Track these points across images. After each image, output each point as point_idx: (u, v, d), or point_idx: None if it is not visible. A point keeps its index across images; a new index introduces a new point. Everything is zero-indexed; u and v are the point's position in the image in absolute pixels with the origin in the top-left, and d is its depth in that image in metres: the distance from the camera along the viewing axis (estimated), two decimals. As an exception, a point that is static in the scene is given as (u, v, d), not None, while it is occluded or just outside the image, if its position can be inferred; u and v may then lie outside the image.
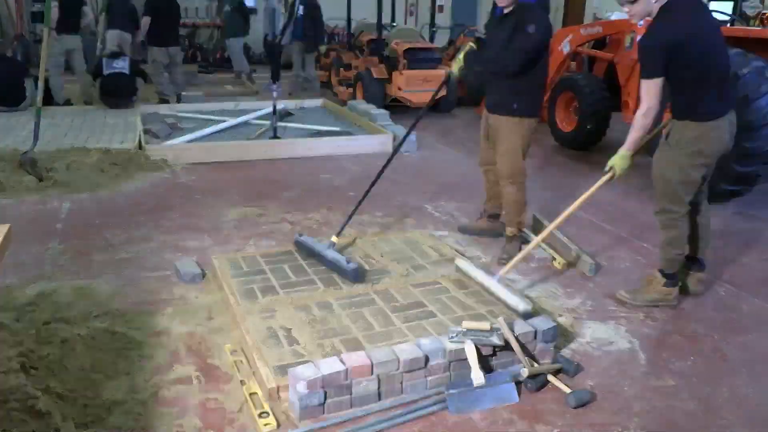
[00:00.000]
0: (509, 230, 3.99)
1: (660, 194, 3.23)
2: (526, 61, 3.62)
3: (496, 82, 3.85)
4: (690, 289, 3.47)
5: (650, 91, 2.96)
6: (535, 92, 3.82)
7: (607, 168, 3.22)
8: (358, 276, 3.41)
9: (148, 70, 9.06)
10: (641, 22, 3.15)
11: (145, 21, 8.39)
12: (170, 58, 8.86)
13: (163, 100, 8.87)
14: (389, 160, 3.94)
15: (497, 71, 3.79)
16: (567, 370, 2.74)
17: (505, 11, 3.73)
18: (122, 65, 8.15)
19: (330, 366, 2.41)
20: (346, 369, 2.41)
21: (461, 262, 3.52)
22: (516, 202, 3.93)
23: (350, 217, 3.91)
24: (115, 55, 8.21)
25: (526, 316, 2.92)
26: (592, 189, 3.32)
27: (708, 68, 2.96)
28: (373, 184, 3.95)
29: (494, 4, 3.81)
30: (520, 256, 3.47)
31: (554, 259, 3.93)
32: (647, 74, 2.96)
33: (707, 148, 3.05)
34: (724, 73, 3.07)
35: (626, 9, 3.01)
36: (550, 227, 3.44)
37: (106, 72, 8.04)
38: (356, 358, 2.46)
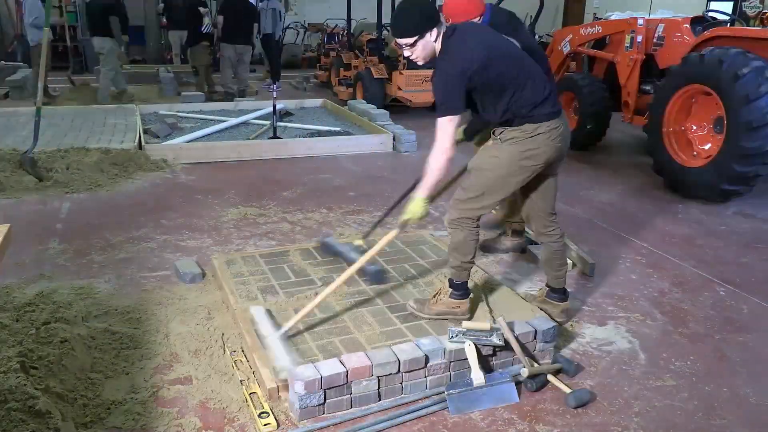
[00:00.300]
0: None
1: (466, 187, 2.90)
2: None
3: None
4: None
5: (447, 130, 2.65)
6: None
7: (403, 219, 2.83)
8: (379, 278, 3.40)
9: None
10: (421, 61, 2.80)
11: (219, 20, 9.06)
12: (237, 55, 9.42)
13: (229, 95, 9.47)
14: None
15: None
16: (567, 370, 2.74)
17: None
18: None
19: (330, 368, 2.41)
20: (346, 371, 2.41)
21: (254, 310, 3.00)
22: None
23: (378, 222, 3.90)
24: None
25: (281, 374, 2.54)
26: (383, 242, 2.95)
27: (520, 75, 2.71)
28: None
29: None
30: (304, 310, 2.88)
31: None
32: (445, 111, 2.65)
33: (540, 149, 2.77)
34: (539, 77, 2.80)
35: (407, 53, 2.75)
36: (309, 306, 2.92)
37: None
38: (356, 359, 2.46)
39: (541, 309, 3.12)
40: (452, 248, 2.97)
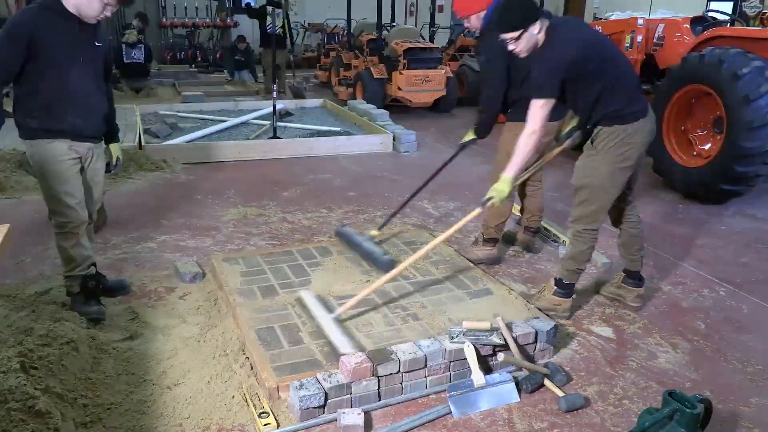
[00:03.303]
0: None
1: (581, 202, 3.07)
2: (496, 87, 3.61)
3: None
4: (628, 305, 3.36)
5: (540, 113, 2.87)
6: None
7: (486, 197, 3.02)
8: (392, 267, 3.31)
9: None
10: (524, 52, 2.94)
11: None
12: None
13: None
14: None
15: (490, 106, 3.73)
16: (552, 377, 2.67)
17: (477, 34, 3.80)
18: (139, 55, 9.75)
19: (330, 380, 2.42)
20: (350, 383, 2.43)
21: (304, 294, 3.17)
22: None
23: (394, 214, 4.14)
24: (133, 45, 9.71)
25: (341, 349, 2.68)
26: (464, 220, 3.13)
27: (616, 73, 2.90)
28: (429, 179, 4.12)
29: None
30: (358, 296, 3.04)
31: None
32: (542, 94, 2.86)
33: (633, 149, 2.95)
34: (632, 76, 3.03)
35: (512, 47, 2.89)
36: (417, 255, 3.20)
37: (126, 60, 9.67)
38: (356, 359, 2.46)
39: (615, 296, 3.40)
40: (570, 257, 3.17)
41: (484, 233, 3.93)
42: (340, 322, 2.92)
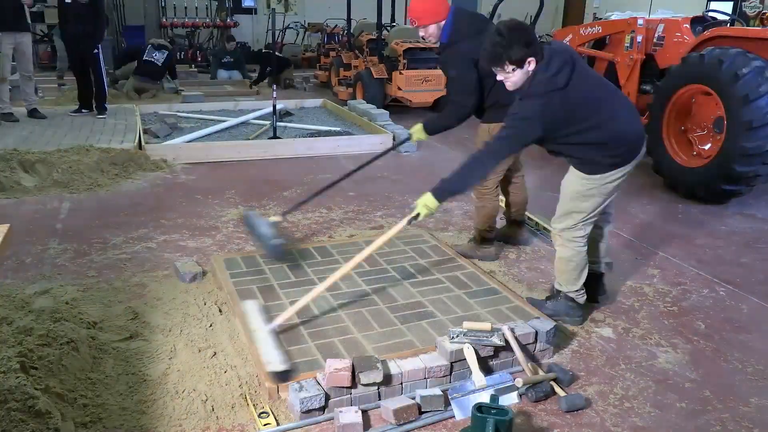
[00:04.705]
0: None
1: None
2: (467, 100, 3.56)
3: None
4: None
5: None
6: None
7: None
8: (279, 252, 3.47)
9: None
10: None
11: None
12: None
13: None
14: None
15: (456, 116, 3.66)
16: (562, 380, 2.67)
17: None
18: (159, 56, 9.50)
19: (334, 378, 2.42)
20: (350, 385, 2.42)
21: (247, 304, 3.05)
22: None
23: (304, 202, 4.08)
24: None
25: (278, 377, 2.50)
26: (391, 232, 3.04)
27: None
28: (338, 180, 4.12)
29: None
30: (296, 306, 2.91)
31: None
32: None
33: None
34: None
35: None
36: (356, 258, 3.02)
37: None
38: (338, 364, 2.44)
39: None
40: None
41: (477, 236, 3.95)
42: (278, 333, 2.80)
